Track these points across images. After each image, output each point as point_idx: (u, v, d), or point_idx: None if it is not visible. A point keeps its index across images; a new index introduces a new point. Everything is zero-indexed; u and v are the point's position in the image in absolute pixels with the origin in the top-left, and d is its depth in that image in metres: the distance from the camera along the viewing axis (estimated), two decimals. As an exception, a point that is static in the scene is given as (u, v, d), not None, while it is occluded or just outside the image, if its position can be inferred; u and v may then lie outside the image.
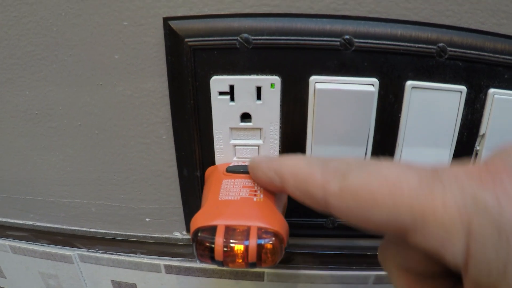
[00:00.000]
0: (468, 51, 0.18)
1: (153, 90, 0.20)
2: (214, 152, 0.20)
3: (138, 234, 0.26)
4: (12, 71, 0.21)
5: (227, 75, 0.18)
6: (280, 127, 0.20)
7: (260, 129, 0.20)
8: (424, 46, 0.18)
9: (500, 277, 0.09)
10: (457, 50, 0.18)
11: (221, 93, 0.19)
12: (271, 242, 0.15)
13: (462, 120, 0.19)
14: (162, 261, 0.25)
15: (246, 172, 0.18)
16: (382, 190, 0.11)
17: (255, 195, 0.17)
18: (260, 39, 0.18)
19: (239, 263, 0.15)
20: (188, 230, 0.24)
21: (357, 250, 0.24)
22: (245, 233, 0.15)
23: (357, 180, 0.12)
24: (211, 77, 0.19)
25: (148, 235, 0.25)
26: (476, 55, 0.18)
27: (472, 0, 0.18)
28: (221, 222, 0.15)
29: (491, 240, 0.09)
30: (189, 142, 0.20)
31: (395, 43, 0.18)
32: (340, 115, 0.19)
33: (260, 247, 0.15)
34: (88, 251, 0.27)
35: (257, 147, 0.20)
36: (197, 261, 0.25)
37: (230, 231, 0.15)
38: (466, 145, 0.20)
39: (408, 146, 0.20)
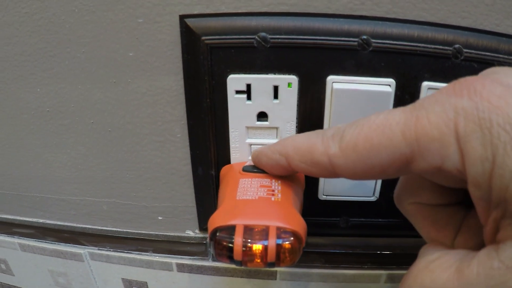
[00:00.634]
0: (483, 53, 0.18)
1: (168, 88, 0.20)
2: (229, 151, 0.20)
3: (150, 232, 0.26)
4: (23, 68, 0.21)
5: (244, 73, 0.18)
6: (296, 127, 0.20)
7: (277, 128, 0.20)
8: (441, 47, 0.18)
9: (491, 166, 0.10)
10: (473, 51, 0.18)
11: (237, 92, 0.19)
12: (290, 242, 0.15)
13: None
14: (174, 260, 0.26)
15: (263, 171, 0.18)
16: (375, 133, 0.12)
17: (272, 194, 0.17)
18: (278, 38, 0.18)
19: (258, 262, 0.15)
20: (201, 228, 0.24)
21: (369, 249, 0.24)
22: (264, 233, 0.15)
23: (353, 135, 0.13)
24: (228, 76, 0.18)
25: (160, 233, 0.25)
26: (491, 56, 0.19)
27: (487, 2, 0.18)
28: (239, 222, 0.15)
29: (475, 136, 0.10)
30: (204, 140, 0.20)
31: (412, 43, 0.18)
32: (357, 115, 0.19)
33: (279, 247, 0.15)
34: (98, 249, 0.26)
35: (272, 147, 0.20)
36: (210, 259, 0.25)
37: (248, 231, 0.15)
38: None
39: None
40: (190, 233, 0.25)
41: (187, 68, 0.19)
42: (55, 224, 0.27)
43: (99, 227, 0.26)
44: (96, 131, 0.22)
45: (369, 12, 0.18)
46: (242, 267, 0.16)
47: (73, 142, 0.23)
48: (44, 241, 0.27)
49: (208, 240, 0.22)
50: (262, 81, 0.18)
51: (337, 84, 0.18)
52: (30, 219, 0.27)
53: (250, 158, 0.20)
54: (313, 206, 0.22)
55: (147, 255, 0.26)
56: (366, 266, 0.25)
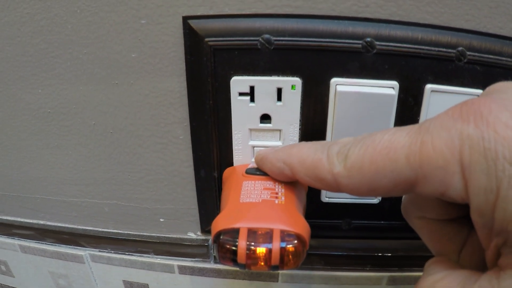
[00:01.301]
0: (486, 56, 0.18)
1: (171, 89, 0.20)
2: (232, 153, 0.20)
3: (152, 234, 0.25)
4: (24, 68, 0.21)
5: (248, 75, 0.18)
6: (299, 129, 0.20)
7: (280, 130, 0.20)
8: (444, 50, 0.18)
9: (495, 198, 0.10)
10: (476, 54, 0.18)
11: (241, 94, 0.19)
12: (293, 245, 0.15)
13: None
14: (175, 262, 0.25)
15: (266, 174, 0.18)
16: (379, 155, 0.12)
17: (276, 197, 0.17)
18: (282, 40, 0.18)
19: (261, 266, 0.15)
20: (203, 230, 0.24)
21: (371, 251, 0.24)
22: (268, 236, 0.15)
23: (358, 155, 0.13)
24: (231, 78, 0.18)
25: (162, 235, 0.25)
26: (494, 59, 0.19)
27: (490, 4, 0.18)
28: (243, 225, 0.15)
29: (480, 166, 0.10)
30: (207, 142, 0.20)
31: (415, 46, 0.18)
32: (360, 118, 0.19)
33: (283, 250, 0.15)
34: (100, 251, 0.26)
35: (275, 149, 0.20)
36: (211, 261, 0.25)
37: (252, 234, 0.15)
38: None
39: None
40: (192, 235, 0.25)
41: (190, 70, 0.19)
42: (56, 226, 0.27)
43: (100, 229, 0.26)
44: (98, 132, 0.22)
45: (373, 15, 0.18)
46: (246, 270, 0.16)
47: (74, 143, 0.23)
48: (44, 242, 0.27)
49: (211, 243, 0.22)
50: (265, 83, 0.18)
51: (341, 86, 0.18)
52: (31, 221, 0.27)
53: (253, 160, 0.20)
54: (316, 209, 0.22)
55: (149, 257, 0.26)
56: (368, 268, 0.25)
